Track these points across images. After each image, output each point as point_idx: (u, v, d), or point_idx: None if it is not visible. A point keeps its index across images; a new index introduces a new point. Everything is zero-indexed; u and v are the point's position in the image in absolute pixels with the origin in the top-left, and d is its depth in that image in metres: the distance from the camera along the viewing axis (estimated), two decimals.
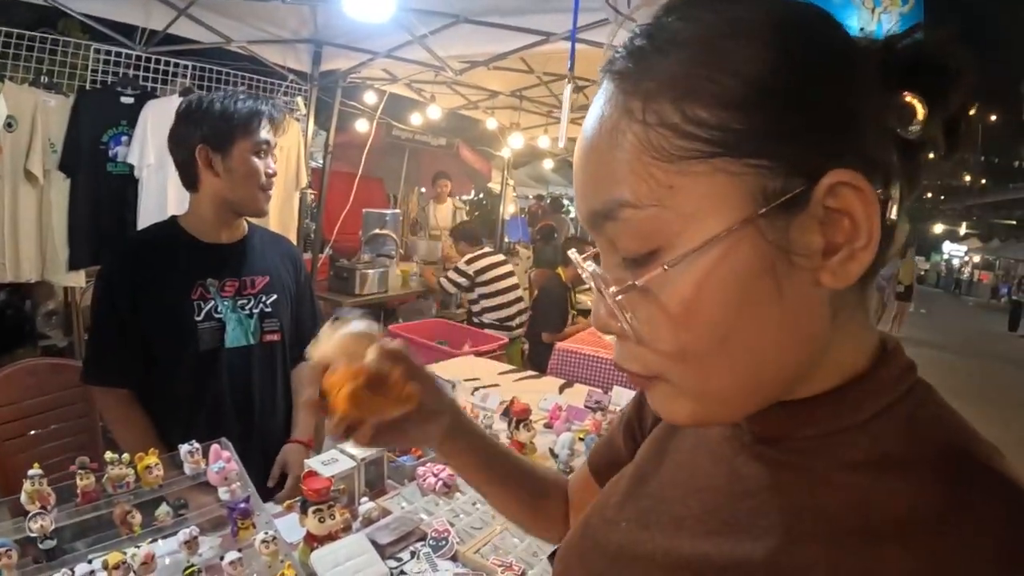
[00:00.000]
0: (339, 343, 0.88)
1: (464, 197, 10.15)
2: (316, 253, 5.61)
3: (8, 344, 4.24)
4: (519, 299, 5.85)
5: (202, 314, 1.98)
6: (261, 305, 2.09)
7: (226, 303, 2.02)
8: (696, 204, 0.53)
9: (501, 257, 6.03)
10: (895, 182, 0.55)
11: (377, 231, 5.91)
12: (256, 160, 1.98)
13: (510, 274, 5.83)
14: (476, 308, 5.78)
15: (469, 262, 5.69)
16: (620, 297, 0.56)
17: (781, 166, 0.52)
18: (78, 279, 3.87)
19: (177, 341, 1.97)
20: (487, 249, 5.96)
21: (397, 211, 6.87)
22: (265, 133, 2.00)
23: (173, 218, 2.09)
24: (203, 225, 2.04)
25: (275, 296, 2.13)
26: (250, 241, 2.14)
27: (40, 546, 1.46)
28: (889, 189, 0.55)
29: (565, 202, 12.47)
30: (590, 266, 0.59)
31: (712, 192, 0.52)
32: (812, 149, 0.52)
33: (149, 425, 2.01)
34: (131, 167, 3.87)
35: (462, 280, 5.72)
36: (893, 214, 0.55)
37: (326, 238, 5.94)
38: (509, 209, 9.69)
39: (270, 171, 2.02)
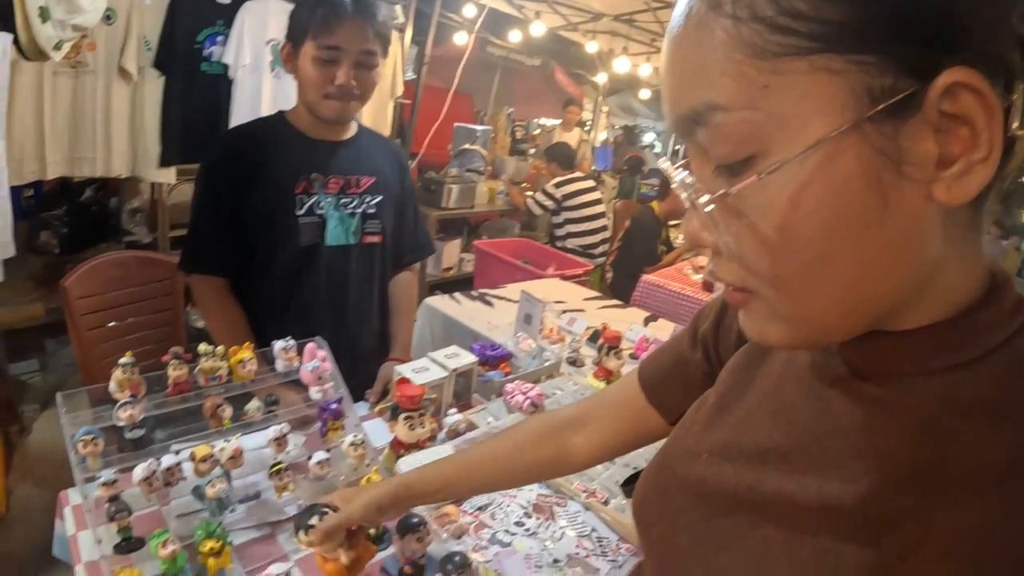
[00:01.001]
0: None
1: (553, 121, 9.91)
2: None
3: (93, 239, 4.32)
4: (604, 228, 5.74)
5: (304, 208, 1.92)
6: (364, 205, 2.03)
7: (329, 200, 1.96)
8: (794, 106, 0.48)
9: (591, 183, 5.86)
10: (1020, 87, 0.47)
11: (467, 146, 5.82)
12: (322, 65, 1.85)
13: (598, 201, 5.70)
14: (560, 233, 5.69)
15: (558, 185, 5.59)
16: (712, 207, 0.52)
17: (890, 63, 0.45)
18: (168, 175, 3.88)
19: (277, 234, 1.93)
20: (578, 174, 5.83)
21: (488, 127, 6.71)
22: (342, 39, 1.84)
23: (280, 113, 2.03)
24: (307, 121, 1.97)
25: (380, 198, 2.06)
26: (358, 141, 2.07)
27: (127, 435, 1.45)
28: (1012, 95, 0.47)
29: (649, 136, 12.18)
30: (680, 174, 0.55)
31: (812, 93, 0.47)
32: (926, 43, 0.45)
33: (243, 318, 1.99)
34: (225, 67, 3.82)
35: (549, 203, 5.62)
36: (1016, 124, 0.48)
37: (414, 151, 5.84)
38: (600, 136, 9.46)
39: (340, 81, 1.86)
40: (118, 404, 1.43)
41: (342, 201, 1.99)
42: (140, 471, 1.37)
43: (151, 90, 3.69)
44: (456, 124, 5.98)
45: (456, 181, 5.54)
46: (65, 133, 3.41)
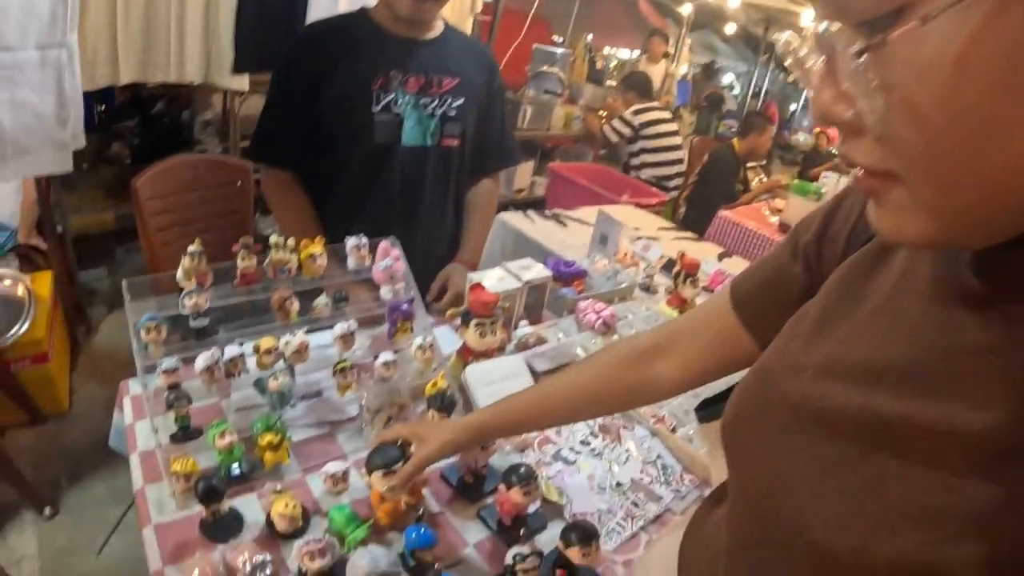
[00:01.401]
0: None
1: (634, 52, 9.62)
2: None
3: (164, 150, 4.31)
4: (680, 160, 5.55)
5: (380, 105, 1.84)
6: (445, 107, 1.93)
7: (407, 98, 1.87)
8: None
9: (668, 115, 5.64)
10: None
11: (545, 68, 5.67)
12: None
13: (675, 133, 5.51)
14: (635, 162, 5.50)
15: (636, 112, 5.40)
16: (862, 62, 0.42)
17: None
18: (241, 83, 3.80)
19: (352, 130, 1.85)
20: (656, 104, 5.62)
21: (568, 50, 6.52)
22: None
23: (363, 8, 1.93)
24: (389, 17, 1.87)
25: (462, 100, 1.95)
26: (444, 40, 1.96)
27: (191, 324, 1.41)
28: None
29: (728, 76, 11.80)
30: (820, 25, 0.45)
31: None
32: None
33: (313, 214, 1.93)
34: None
35: (626, 130, 5.42)
36: None
37: None
38: (681, 70, 9.17)
39: None
40: (184, 292, 1.39)
41: (421, 101, 1.89)
42: (202, 360, 1.33)
43: None
44: (535, 45, 5.83)
45: (532, 102, 5.39)
46: (138, 38, 3.33)
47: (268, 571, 1.05)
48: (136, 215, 2.59)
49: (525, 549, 1.09)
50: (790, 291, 0.81)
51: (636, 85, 5.68)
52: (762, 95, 10.19)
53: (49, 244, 3.43)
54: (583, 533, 1.08)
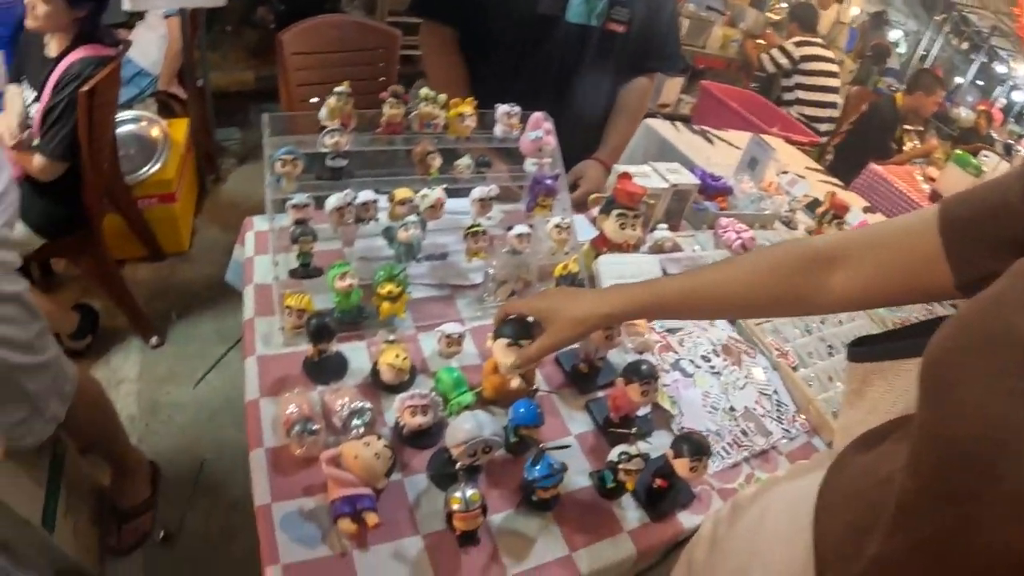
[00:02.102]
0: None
1: None
2: None
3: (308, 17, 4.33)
4: (834, 104, 5.25)
5: None
6: None
7: None
8: None
9: (831, 54, 5.32)
10: None
11: None
12: None
13: (834, 75, 5.19)
14: (789, 97, 5.22)
15: (798, 44, 5.12)
16: None
17: None
18: None
19: None
20: (819, 40, 5.29)
21: None
22: None
23: None
24: None
25: None
26: None
27: (328, 162, 1.36)
28: None
29: (896, 33, 11.08)
30: None
31: None
32: None
33: (465, 77, 1.87)
34: None
35: (784, 61, 5.16)
36: None
37: None
38: (851, 12, 8.62)
39: None
40: (325, 131, 1.34)
41: None
42: (334, 200, 1.28)
43: None
44: None
45: (691, 16, 5.15)
46: None
47: (366, 418, 1.02)
48: (279, 68, 2.60)
49: (632, 449, 1.05)
50: (1012, 228, 0.70)
51: (802, 17, 5.37)
52: (929, 59, 9.54)
53: (189, 94, 3.49)
54: (696, 447, 1.04)
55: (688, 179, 1.81)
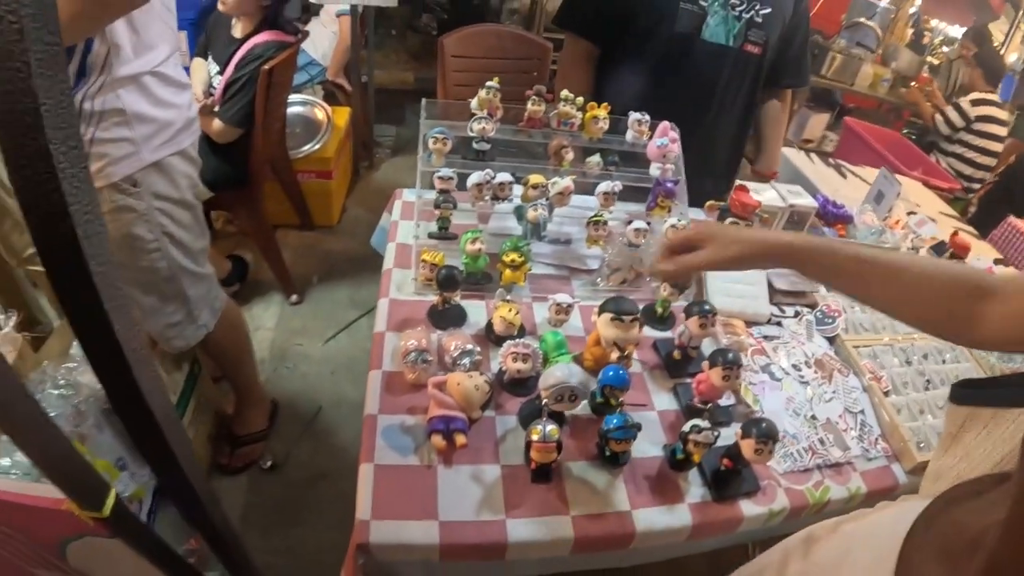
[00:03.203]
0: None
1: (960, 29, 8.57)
2: None
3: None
4: (990, 168, 4.86)
5: None
6: (752, 12, 1.90)
7: None
8: None
9: (1005, 115, 4.83)
10: None
11: (861, 20, 5.29)
12: None
13: (1001, 139, 4.77)
14: (948, 149, 4.84)
15: (975, 104, 4.70)
16: None
17: None
18: None
19: (656, 13, 1.87)
20: (996, 98, 4.86)
21: (891, 7, 5.99)
22: None
23: None
24: None
25: (769, 10, 1.92)
26: None
27: (475, 145, 1.54)
28: None
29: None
30: None
31: None
32: None
33: (591, 91, 1.99)
34: None
35: (958, 120, 4.73)
36: None
37: None
38: (1010, 59, 7.92)
39: None
40: (474, 118, 1.53)
41: (731, 2, 1.88)
42: (476, 176, 1.45)
43: None
44: None
45: (841, 52, 5.04)
46: None
47: (474, 358, 1.16)
48: (438, 68, 2.82)
49: (705, 423, 1.12)
50: None
51: (989, 65, 4.95)
52: None
53: (353, 87, 3.82)
54: (763, 429, 1.09)
55: (807, 202, 1.88)
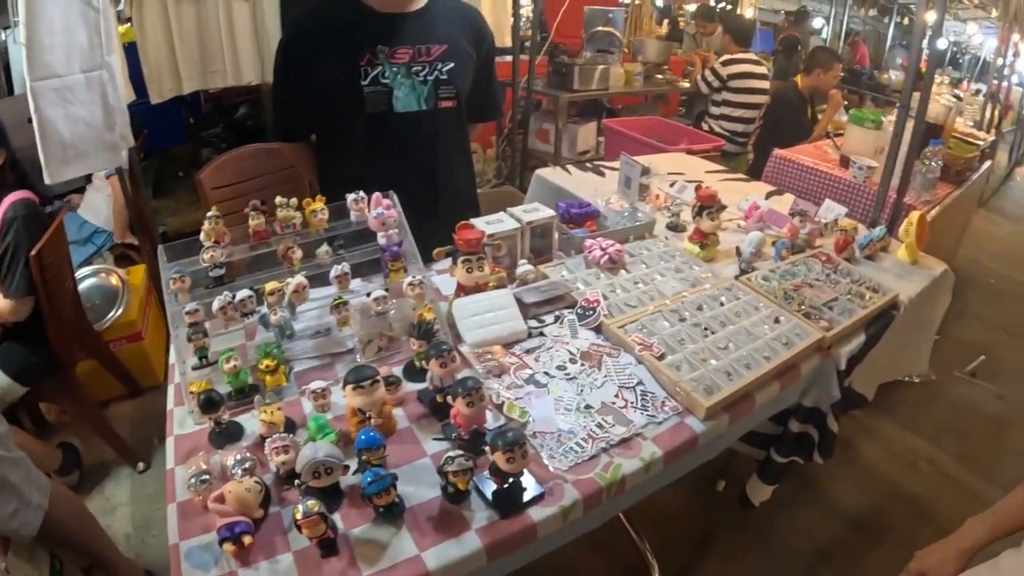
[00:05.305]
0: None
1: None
2: (534, 54, 5.34)
3: None
4: (755, 119, 5.37)
5: (368, 79, 2.00)
6: (437, 72, 2.08)
7: (395, 70, 2.02)
8: None
9: (762, 69, 5.41)
10: None
11: (600, 28, 5.56)
12: None
13: (763, 91, 5.33)
14: (715, 112, 5.39)
15: (725, 64, 5.26)
16: None
17: None
18: None
19: (345, 104, 2.03)
20: (751, 56, 5.39)
21: (621, 8, 6.39)
22: None
23: None
24: None
25: (452, 64, 2.10)
26: (430, 10, 2.10)
27: (210, 274, 1.65)
28: None
29: (819, 22, 11.34)
30: None
31: None
32: None
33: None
34: None
35: (715, 81, 5.29)
36: None
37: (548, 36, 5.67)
38: (747, 14, 8.83)
39: None
40: (203, 248, 1.63)
41: (413, 69, 2.04)
42: (217, 302, 1.54)
43: (269, 1, 3.87)
44: (586, 7, 5.73)
45: (588, 63, 5.29)
46: (195, 51, 3.71)
47: (247, 465, 1.23)
48: (203, 206, 2.87)
49: (455, 452, 1.20)
50: None
51: (735, 29, 5.48)
52: (842, 34, 9.74)
53: (142, 242, 3.82)
54: (507, 439, 1.17)
55: (544, 214, 2.04)
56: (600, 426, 1.45)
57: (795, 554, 2.82)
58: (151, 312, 3.58)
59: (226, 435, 1.42)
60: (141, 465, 2.95)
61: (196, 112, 5.34)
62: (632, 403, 1.54)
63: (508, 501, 1.26)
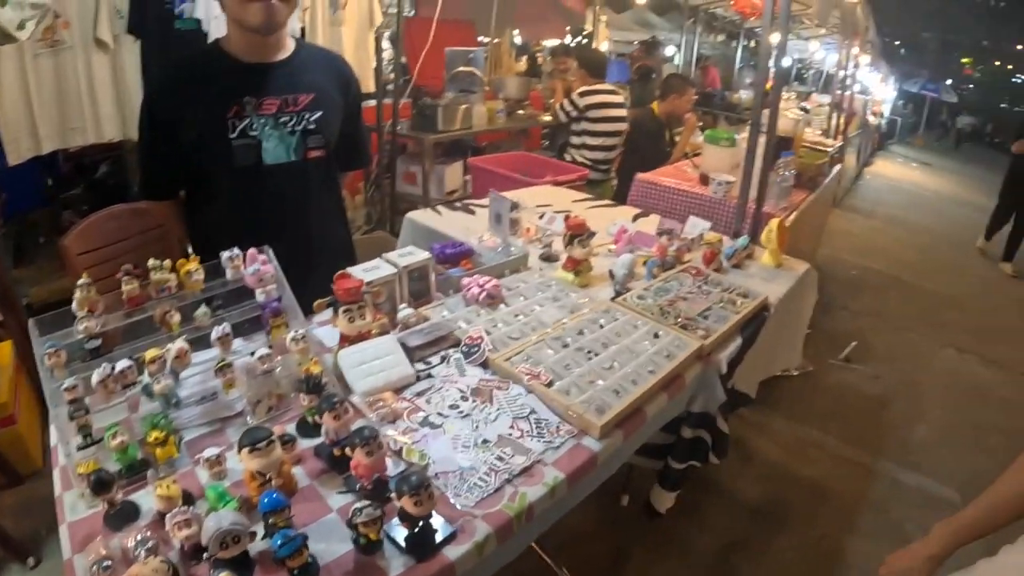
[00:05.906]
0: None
1: (554, 41, 9.69)
2: (397, 98, 5.44)
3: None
4: (616, 145, 5.58)
5: (236, 132, 2.00)
6: (304, 122, 2.10)
7: (263, 121, 2.03)
8: None
9: (619, 98, 5.64)
10: None
11: (461, 68, 5.64)
12: None
13: (621, 119, 5.53)
14: (576, 142, 5.53)
15: (583, 94, 5.41)
16: None
17: None
18: None
19: (213, 158, 2.03)
20: (607, 87, 5.61)
21: (482, 48, 6.51)
22: None
23: (216, 41, 2.11)
24: (240, 45, 2.03)
25: (320, 113, 2.12)
26: (295, 59, 2.12)
27: (85, 346, 1.59)
28: None
29: (671, 49, 11.86)
30: None
31: None
32: None
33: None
34: (198, 22, 3.84)
35: (571, 110, 5.44)
36: None
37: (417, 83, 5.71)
38: (602, 47, 9.19)
39: None
40: (77, 319, 1.59)
41: (281, 120, 2.05)
42: (96, 375, 1.50)
43: (130, 55, 3.78)
44: (447, 48, 5.78)
45: (449, 103, 5.38)
46: (53, 108, 3.56)
47: (149, 545, 1.20)
48: (69, 273, 2.74)
49: (362, 503, 1.22)
50: None
51: (589, 63, 5.67)
52: (694, 59, 10.21)
53: (6, 316, 3.61)
54: (412, 483, 1.20)
55: (420, 257, 2.07)
56: (500, 459, 1.49)
57: (708, 551, 2.95)
58: (21, 392, 3.36)
59: (122, 516, 1.38)
60: (32, 560, 2.74)
61: (54, 172, 5.12)
62: (528, 432, 1.58)
63: (422, 544, 1.27)
